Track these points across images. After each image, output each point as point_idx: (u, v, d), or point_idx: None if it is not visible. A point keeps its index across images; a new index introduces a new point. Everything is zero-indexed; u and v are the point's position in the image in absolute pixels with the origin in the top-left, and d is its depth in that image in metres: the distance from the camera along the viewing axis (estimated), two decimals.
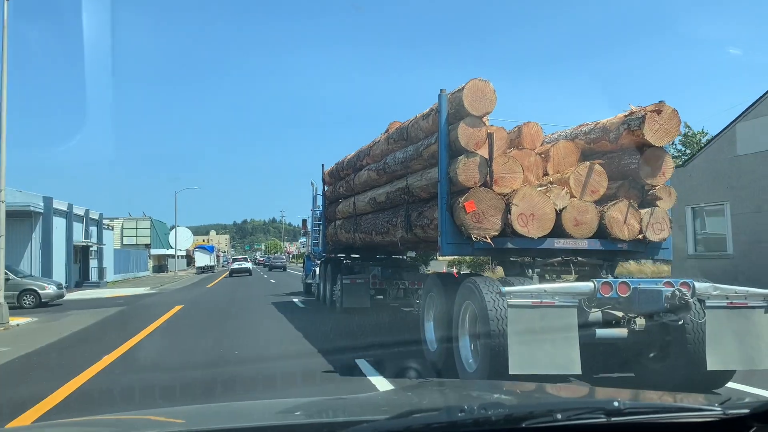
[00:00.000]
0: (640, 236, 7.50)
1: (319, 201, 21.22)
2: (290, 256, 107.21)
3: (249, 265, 56.92)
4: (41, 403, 6.41)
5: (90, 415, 5.17)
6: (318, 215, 22.09)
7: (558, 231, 7.34)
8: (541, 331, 5.81)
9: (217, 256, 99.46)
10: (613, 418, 1.64)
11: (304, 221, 24.40)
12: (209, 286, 33.69)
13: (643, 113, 7.51)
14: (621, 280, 6.25)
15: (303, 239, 28.50)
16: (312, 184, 22.91)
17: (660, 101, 7.68)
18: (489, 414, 1.60)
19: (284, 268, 66.84)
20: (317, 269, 20.44)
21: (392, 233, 10.35)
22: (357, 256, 17.34)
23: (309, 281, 23.04)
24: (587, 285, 6.14)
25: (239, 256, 75.21)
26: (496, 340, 5.98)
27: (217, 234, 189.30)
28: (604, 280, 6.25)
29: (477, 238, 7.16)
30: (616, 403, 1.69)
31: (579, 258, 7.45)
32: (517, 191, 7.27)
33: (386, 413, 1.82)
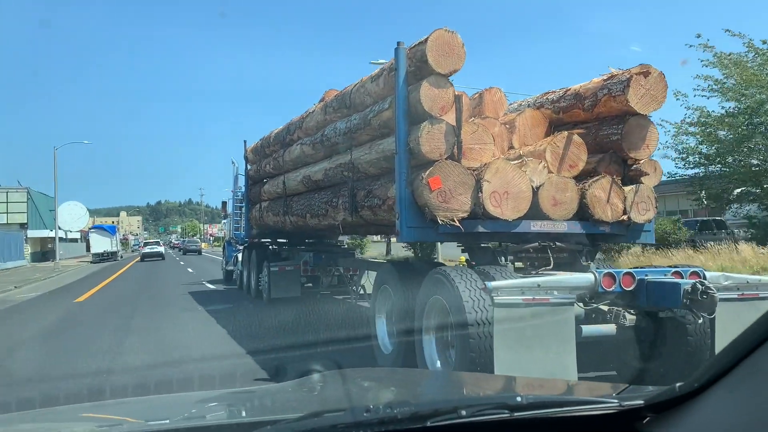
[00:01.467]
0: (624, 217, 6.58)
1: (241, 181, 19.67)
2: (212, 239, 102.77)
3: (161, 249, 55.86)
4: None
5: None
6: (240, 197, 20.49)
7: (533, 212, 6.30)
8: (533, 333, 4.75)
9: (125, 240, 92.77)
10: (515, 414, 1.66)
11: (224, 203, 22.65)
12: (89, 294, 18.51)
13: (628, 76, 6.55)
14: (624, 270, 5.27)
15: (225, 221, 26.74)
16: (233, 162, 21.21)
17: (641, 64, 6.76)
18: (395, 413, 1.62)
19: (199, 252, 66.10)
20: (239, 255, 18.86)
21: (332, 216, 9.07)
22: (284, 240, 15.97)
23: (230, 268, 21.37)
24: (586, 277, 5.13)
25: (151, 240, 71.04)
26: (478, 345, 4.87)
27: (128, 215, 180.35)
28: (606, 270, 5.26)
29: (443, 221, 6.01)
30: (518, 398, 1.71)
31: (557, 243, 6.43)
32: (489, 165, 6.16)
33: (295, 410, 1.85)
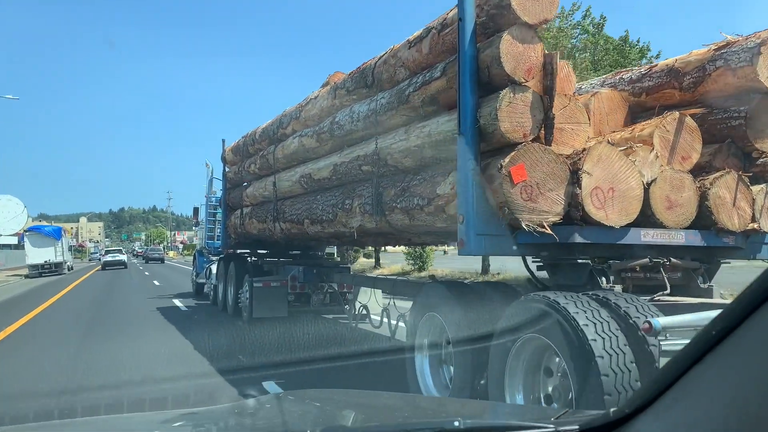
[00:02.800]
0: (754, 225, 4.98)
1: (217, 185, 17.84)
2: (181, 247, 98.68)
3: (124, 257, 52.71)
4: None
5: None
6: (215, 202, 18.62)
7: (642, 217, 4.66)
8: None
9: (81, 247, 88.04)
10: None
11: (196, 210, 20.63)
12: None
13: (757, 41, 4.98)
14: None
15: (196, 229, 24.63)
16: (207, 165, 19.26)
17: None
18: None
19: (162, 260, 65.25)
20: (213, 267, 16.90)
21: (341, 221, 7.33)
22: (264, 252, 14.13)
23: (201, 281, 19.36)
24: None
25: (113, 248, 65.70)
26: None
27: (89, 221, 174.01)
28: None
29: (528, 226, 4.32)
30: (456, 423, 1.70)
31: (671, 259, 4.79)
32: (590, 151, 4.50)
33: None
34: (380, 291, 9.54)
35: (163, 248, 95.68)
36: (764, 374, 0.93)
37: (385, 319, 8.24)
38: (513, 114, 4.41)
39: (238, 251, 14.66)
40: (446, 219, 5.11)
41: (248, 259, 14.47)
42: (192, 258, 22.19)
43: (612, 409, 1.41)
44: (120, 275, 37.46)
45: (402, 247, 18.58)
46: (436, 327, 5.24)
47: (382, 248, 27.68)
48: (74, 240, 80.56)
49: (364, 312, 9.88)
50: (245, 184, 12.96)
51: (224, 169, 14.52)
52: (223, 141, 14.52)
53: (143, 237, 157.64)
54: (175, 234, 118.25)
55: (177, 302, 17.84)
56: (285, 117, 9.91)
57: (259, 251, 14.26)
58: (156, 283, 28.00)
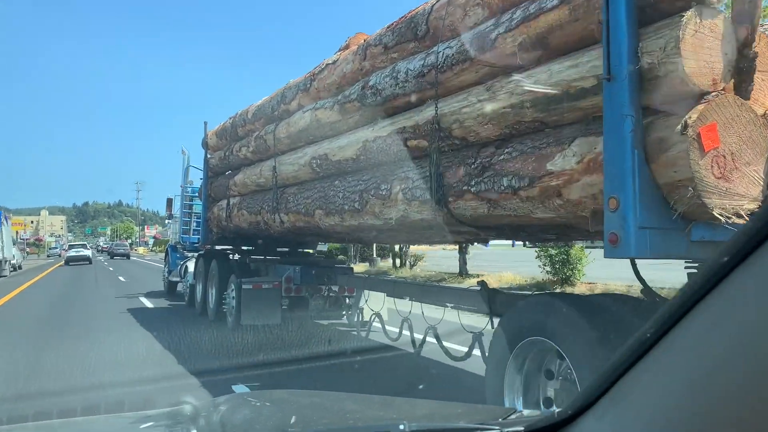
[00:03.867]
0: None
1: (195, 175, 16.23)
2: (152, 242, 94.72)
3: (88, 252, 50.95)
4: None
5: None
6: (190, 193, 16.95)
7: None
8: None
9: (38, 241, 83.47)
10: None
11: (170, 201, 18.81)
12: None
13: None
14: None
15: (169, 222, 22.77)
16: (183, 152, 17.55)
17: None
18: None
19: (127, 256, 62.79)
20: (190, 265, 15.20)
21: (373, 211, 5.82)
22: (249, 248, 12.54)
23: (175, 279, 17.62)
24: None
25: (77, 243, 61.85)
26: None
27: (50, 215, 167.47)
28: None
29: (722, 215, 2.88)
30: (401, 426, 1.67)
31: None
32: None
33: None
34: (383, 295, 8.18)
35: (130, 244, 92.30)
36: (694, 376, 0.96)
37: (405, 332, 6.89)
38: (700, 49, 2.95)
39: (218, 247, 13.04)
40: (559, 206, 3.65)
41: (229, 256, 12.87)
42: (164, 254, 20.39)
43: (557, 410, 1.40)
44: (81, 270, 35.18)
45: (442, 246, 16.53)
46: (542, 355, 3.76)
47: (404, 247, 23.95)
48: (27, 234, 75.31)
49: (361, 318, 8.58)
50: (230, 172, 11.39)
51: (206, 156, 12.88)
52: (206, 124, 12.93)
53: (108, 232, 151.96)
54: (144, 229, 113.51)
55: (145, 301, 16.07)
56: (289, 90, 8.36)
57: (243, 248, 12.66)
58: (121, 278, 26.06)
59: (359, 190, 6.10)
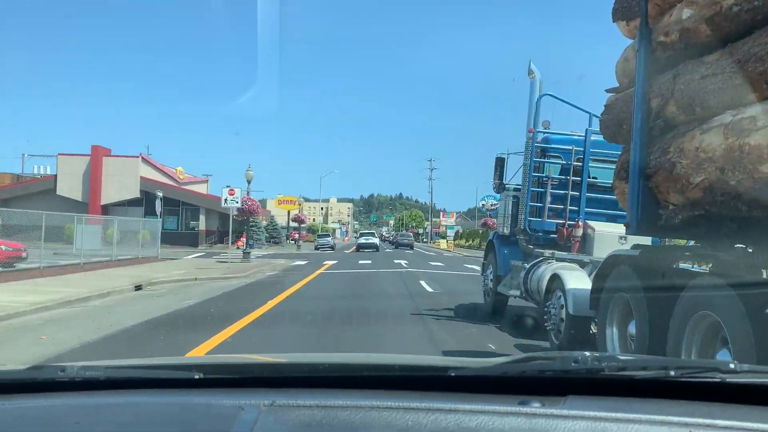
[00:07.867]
0: None
1: (553, 110, 9.86)
2: (447, 234, 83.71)
3: (376, 240, 55.19)
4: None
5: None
6: (549, 143, 10.64)
7: None
8: None
9: (299, 220, 61.44)
10: (728, 379, 1.59)
11: (500, 160, 12.18)
12: None
13: None
14: None
15: (498, 198, 16.49)
16: (530, 72, 11.10)
17: None
18: (602, 366, 1.64)
19: (411, 246, 64.17)
20: (564, 273, 8.62)
21: None
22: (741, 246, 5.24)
23: (512, 292, 11.15)
24: None
25: (366, 231, 69.00)
26: None
27: (338, 201, 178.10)
28: None
29: None
30: (732, 365, 1.63)
31: None
32: None
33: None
34: None
35: (416, 234, 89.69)
36: None
37: None
38: None
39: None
40: None
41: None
42: (485, 250, 14.15)
43: None
44: (369, 265, 30.07)
45: None
46: None
47: None
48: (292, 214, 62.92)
49: None
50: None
51: (645, 35, 5.86)
52: None
53: (392, 222, 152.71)
54: (440, 215, 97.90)
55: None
56: None
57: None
58: (423, 283, 18.84)
59: None
